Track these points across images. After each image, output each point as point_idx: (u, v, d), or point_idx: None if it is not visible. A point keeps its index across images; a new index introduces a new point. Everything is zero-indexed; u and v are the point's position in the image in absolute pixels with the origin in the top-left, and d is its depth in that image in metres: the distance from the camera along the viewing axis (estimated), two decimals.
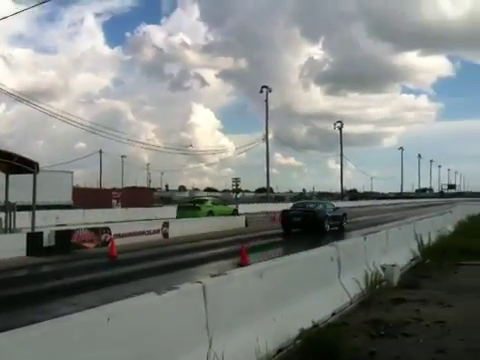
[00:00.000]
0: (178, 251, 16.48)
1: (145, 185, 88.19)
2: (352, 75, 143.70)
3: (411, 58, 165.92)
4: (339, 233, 22.67)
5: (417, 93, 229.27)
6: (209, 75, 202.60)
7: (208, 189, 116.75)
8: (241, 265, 11.14)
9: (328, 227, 23.09)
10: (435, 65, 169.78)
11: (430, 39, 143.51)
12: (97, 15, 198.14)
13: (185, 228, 21.67)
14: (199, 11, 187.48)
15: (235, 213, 32.23)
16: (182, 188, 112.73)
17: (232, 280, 4.99)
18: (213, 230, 22.57)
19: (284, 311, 5.55)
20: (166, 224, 20.78)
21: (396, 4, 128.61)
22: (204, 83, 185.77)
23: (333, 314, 6.71)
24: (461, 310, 7.33)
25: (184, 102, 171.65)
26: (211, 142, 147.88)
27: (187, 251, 16.43)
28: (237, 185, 38.52)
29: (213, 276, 5.04)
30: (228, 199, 54.91)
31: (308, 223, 22.49)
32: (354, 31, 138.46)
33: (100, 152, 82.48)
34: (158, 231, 20.15)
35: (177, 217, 28.10)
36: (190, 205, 31.70)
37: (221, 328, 4.56)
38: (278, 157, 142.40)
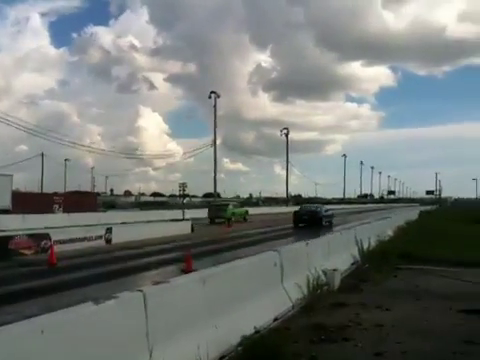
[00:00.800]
0: (121, 258, 16.12)
1: (89, 189, 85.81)
2: (299, 83, 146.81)
3: (355, 68, 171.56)
4: (328, 227, 30.13)
5: (360, 102, 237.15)
6: (158, 79, 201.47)
7: (155, 194, 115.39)
8: (186, 271, 11.04)
9: (324, 222, 31.81)
10: (378, 75, 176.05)
11: (373, 50, 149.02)
12: (43, 15, 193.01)
13: (129, 234, 21.27)
14: (149, 14, 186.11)
15: (244, 217, 40.23)
16: (127, 193, 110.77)
17: (174, 288, 4.93)
18: (158, 236, 22.28)
19: (226, 318, 5.54)
20: (109, 230, 20.33)
21: (341, 15, 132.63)
22: (152, 86, 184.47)
23: (275, 319, 6.76)
24: (399, 313, 7.57)
25: (132, 105, 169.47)
26: (158, 146, 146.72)
27: (130, 257, 16.10)
28: (184, 190, 38.17)
29: (155, 284, 4.97)
30: (174, 204, 54.55)
31: (312, 220, 31.46)
32: (301, 40, 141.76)
33: (42, 155, 79.70)
34: (101, 237, 19.68)
35: (209, 217, 38.02)
36: (219, 206, 40.71)
37: (162, 337, 4.50)
38: (226, 162, 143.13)
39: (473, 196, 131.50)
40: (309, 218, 31.93)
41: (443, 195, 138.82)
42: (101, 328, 3.93)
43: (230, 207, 39.31)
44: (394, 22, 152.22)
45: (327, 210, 34.54)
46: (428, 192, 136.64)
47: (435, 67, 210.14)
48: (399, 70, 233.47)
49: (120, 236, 20.38)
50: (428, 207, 74.16)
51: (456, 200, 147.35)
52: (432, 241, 17.21)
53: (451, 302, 8.21)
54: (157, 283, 5.01)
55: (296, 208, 39.00)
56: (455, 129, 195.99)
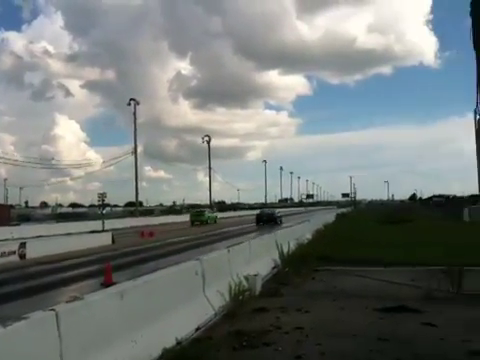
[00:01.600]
0: (36, 274, 15.32)
1: (1, 202, 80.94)
2: (219, 91, 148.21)
3: (272, 76, 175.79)
4: (278, 225, 38.49)
5: (278, 109, 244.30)
6: (74, 85, 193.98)
7: (73, 205, 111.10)
8: (105, 284, 10.71)
9: (277, 221, 42.39)
10: (294, 83, 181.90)
11: (289, 59, 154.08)
12: None
13: (45, 248, 20.26)
14: (63, 19, 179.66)
15: (209, 220, 49.40)
16: (44, 204, 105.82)
17: (89, 304, 4.74)
18: (77, 249, 21.42)
19: (146, 332, 5.42)
20: (23, 244, 19.28)
21: (258, 25, 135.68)
22: (69, 93, 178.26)
23: (197, 329, 6.72)
24: (318, 315, 7.79)
25: (47, 113, 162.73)
26: (76, 155, 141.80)
27: (46, 273, 15.33)
28: (103, 200, 37.06)
29: (68, 301, 4.76)
30: (94, 215, 52.87)
31: (269, 219, 42.66)
32: (220, 49, 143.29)
33: None
34: (14, 252, 18.61)
35: (190, 220, 48.43)
36: (198, 212, 52.82)
37: (77, 356, 4.32)
38: (148, 170, 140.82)
39: (385, 197, 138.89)
40: (267, 218, 43.34)
41: (358, 197, 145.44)
42: (10, 352, 3.70)
43: (206, 213, 52.51)
44: (308, 33, 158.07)
45: (278, 212, 47.15)
46: (344, 195, 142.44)
47: (347, 76, 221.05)
48: (314, 79, 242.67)
49: (36, 250, 19.38)
50: (344, 209, 77.31)
51: (370, 202, 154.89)
52: (348, 242, 17.95)
53: (366, 301, 8.58)
54: (71, 300, 4.80)
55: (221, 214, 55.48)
56: (366, 135, 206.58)
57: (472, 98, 8.97)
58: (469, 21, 8.99)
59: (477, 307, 7.96)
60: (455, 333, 6.49)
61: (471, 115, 9.04)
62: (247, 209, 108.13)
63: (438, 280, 8.95)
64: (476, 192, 9.04)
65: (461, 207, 36.95)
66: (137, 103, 61.31)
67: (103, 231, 30.83)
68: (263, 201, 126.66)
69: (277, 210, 49.99)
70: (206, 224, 46.49)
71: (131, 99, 61.08)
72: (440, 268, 9.46)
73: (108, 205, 63.37)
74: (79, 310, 4.58)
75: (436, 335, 6.43)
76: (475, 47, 8.98)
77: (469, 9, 9.00)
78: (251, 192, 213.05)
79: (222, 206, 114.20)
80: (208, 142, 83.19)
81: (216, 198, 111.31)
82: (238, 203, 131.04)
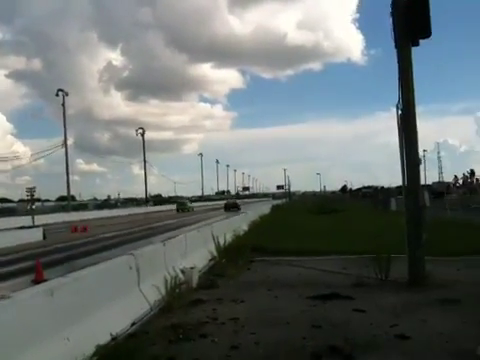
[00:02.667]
0: None
1: None
2: (152, 82, 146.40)
3: (206, 69, 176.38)
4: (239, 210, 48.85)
5: (213, 102, 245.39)
6: None
7: (1, 199, 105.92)
8: (36, 281, 10.34)
9: (239, 208, 57.65)
10: (227, 77, 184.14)
11: (222, 53, 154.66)
12: None
13: None
14: None
15: (190, 209, 64.95)
16: None
17: (17, 303, 4.55)
18: (5, 245, 20.54)
19: (79, 328, 5.28)
20: None
21: (189, 18, 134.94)
22: None
23: (133, 324, 6.63)
24: (253, 305, 7.91)
25: None
26: (3, 148, 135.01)
27: None
28: (32, 195, 35.62)
29: None
30: (22, 210, 50.70)
31: (233, 206, 60.33)
32: (151, 40, 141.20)
33: None
34: None
35: (176, 209, 63.66)
36: (182, 203, 69.02)
37: (5, 355, 4.16)
38: (80, 163, 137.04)
39: (318, 189, 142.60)
40: (232, 206, 61.24)
41: (292, 189, 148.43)
42: None
43: (188, 203, 69.84)
44: (240, 27, 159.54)
45: (238, 202, 67.04)
46: (279, 187, 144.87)
47: (279, 71, 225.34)
48: (247, 73, 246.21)
49: None
50: (279, 201, 78.73)
51: (303, 193, 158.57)
52: (283, 233, 18.33)
53: (300, 289, 8.81)
54: None
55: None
56: (298, 128, 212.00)
57: (396, 94, 9.38)
58: (390, 20, 9.36)
59: (403, 293, 8.38)
60: (383, 318, 6.80)
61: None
62: None
63: (368, 268, 9.34)
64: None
65: (388, 197, 38.54)
66: (66, 94, 59.51)
67: (33, 227, 29.66)
68: (200, 194, 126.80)
69: (238, 201, 71.35)
70: (188, 211, 61.19)
71: (59, 90, 59.06)
72: (369, 256, 9.88)
73: (38, 200, 61.05)
74: (7, 309, 4.39)
75: (366, 320, 6.71)
76: (396, 46, 9.38)
77: (390, 9, 9.37)
78: (188, 185, 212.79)
79: (158, 199, 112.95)
80: (142, 135, 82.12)
81: (152, 191, 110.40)
82: (175, 196, 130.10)
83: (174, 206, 68.50)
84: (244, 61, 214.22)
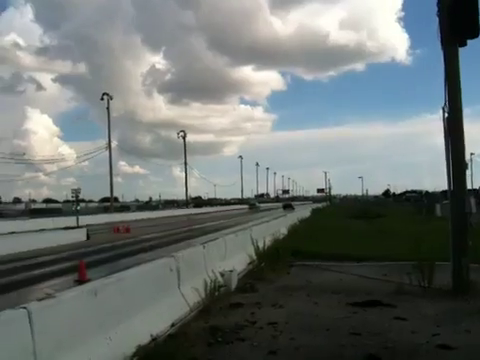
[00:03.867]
0: (7, 271, 14.96)
1: None
2: (194, 85, 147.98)
3: (247, 72, 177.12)
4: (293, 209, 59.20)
5: (253, 105, 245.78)
6: (46, 79, 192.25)
7: (47, 200, 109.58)
8: (80, 281, 10.63)
9: (293, 207, 72.19)
10: (268, 79, 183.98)
11: (263, 54, 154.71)
12: None
13: (17, 244, 19.90)
14: (33, 12, 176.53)
15: (257, 208, 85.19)
16: (17, 200, 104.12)
17: (62, 302, 4.70)
18: (51, 245, 21.16)
19: (121, 329, 5.40)
20: None
21: (232, 19, 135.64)
22: (40, 87, 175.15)
23: (173, 325, 6.72)
24: (291, 310, 7.88)
25: (17, 107, 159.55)
26: (49, 150, 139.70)
27: (18, 270, 15.04)
28: (77, 196, 36.52)
29: (41, 299, 4.72)
30: (69, 211, 52.18)
31: (289, 206, 76.67)
32: (194, 43, 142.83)
33: None
34: None
35: (248, 209, 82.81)
36: (253, 204, 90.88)
37: (50, 354, 4.29)
38: (123, 165, 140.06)
39: (359, 193, 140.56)
40: (288, 205, 77.28)
41: (332, 193, 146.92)
42: None
43: (257, 203, 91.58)
44: (281, 28, 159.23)
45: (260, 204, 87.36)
46: (319, 190, 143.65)
47: (321, 72, 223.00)
48: (288, 75, 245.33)
49: (7, 247, 19.01)
50: (319, 205, 78.08)
51: (344, 197, 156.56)
52: (322, 238, 18.15)
53: (340, 296, 8.72)
54: (44, 298, 4.76)
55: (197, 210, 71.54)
56: (340, 130, 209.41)
57: (442, 95, 9.14)
58: (437, 20, 9.15)
59: (446, 302, 8.16)
60: (425, 327, 6.65)
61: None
62: (224, 204, 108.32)
63: (409, 275, 9.14)
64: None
65: (433, 202, 37.60)
66: (110, 98, 60.83)
67: (77, 227, 30.46)
68: (239, 197, 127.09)
69: (294, 202, 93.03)
70: (256, 209, 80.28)
71: (104, 93, 60.47)
72: (411, 263, 9.66)
73: (83, 201, 62.83)
74: (52, 308, 4.54)
75: (407, 329, 6.58)
76: (442, 46, 9.16)
77: (436, 8, 9.16)
78: (227, 187, 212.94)
79: (198, 201, 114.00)
80: (184, 137, 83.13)
81: (192, 193, 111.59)
82: (214, 198, 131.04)
83: (216, 208, 78.48)
84: (285, 62, 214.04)
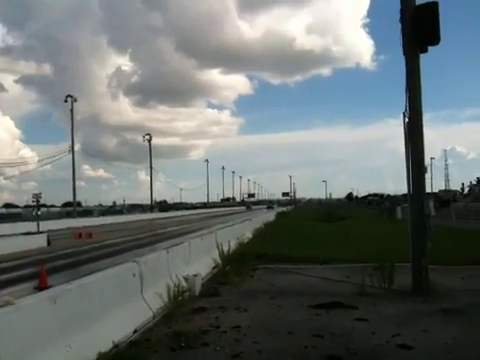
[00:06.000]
0: None
1: None
2: (161, 88, 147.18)
3: (214, 75, 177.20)
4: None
5: (220, 108, 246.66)
6: (8, 80, 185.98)
7: (7, 205, 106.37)
8: (40, 288, 10.36)
9: (274, 208, 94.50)
10: (236, 83, 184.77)
11: (230, 58, 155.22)
12: None
13: None
14: None
15: (251, 208, 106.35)
16: None
17: (20, 309, 4.57)
18: (9, 251, 20.53)
19: (81, 336, 5.30)
20: None
21: (200, 22, 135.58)
22: (2, 88, 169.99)
23: (135, 331, 6.64)
24: (255, 313, 7.90)
25: None
26: (10, 153, 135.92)
27: None
28: (38, 201, 35.62)
29: None
30: (28, 216, 50.87)
31: (270, 207, 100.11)
32: (161, 45, 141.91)
33: None
34: None
35: (246, 208, 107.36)
36: (248, 205, 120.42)
37: None
38: (86, 169, 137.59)
39: (323, 196, 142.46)
40: (269, 206, 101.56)
41: (297, 196, 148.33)
42: None
43: (250, 205, 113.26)
44: (249, 32, 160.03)
45: (274, 204, 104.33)
46: (284, 194, 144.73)
47: (288, 76, 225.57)
48: (255, 79, 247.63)
49: None
50: (284, 208, 78.68)
51: (309, 200, 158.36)
52: (287, 241, 18.31)
53: (303, 298, 8.79)
54: (2, 306, 4.62)
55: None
56: (305, 134, 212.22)
57: (404, 101, 9.36)
58: (399, 27, 9.37)
59: (406, 302, 8.35)
60: (386, 328, 6.78)
61: None
62: (189, 209, 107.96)
63: (371, 276, 9.31)
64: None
65: (394, 205, 38.45)
66: (75, 100, 59.65)
67: (38, 233, 29.72)
68: (205, 200, 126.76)
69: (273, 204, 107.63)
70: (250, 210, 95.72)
71: (68, 95, 59.33)
72: (373, 265, 9.85)
73: (44, 205, 61.22)
74: (10, 315, 4.42)
75: (368, 330, 6.69)
76: (404, 52, 9.39)
77: (399, 15, 9.38)
78: (193, 191, 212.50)
79: (163, 206, 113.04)
80: (149, 141, 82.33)
81: (158, 197, 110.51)
82: (180, 203, 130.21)
83: (181, 212, 78.85)
84: (252, 66, 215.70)
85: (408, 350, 5.80)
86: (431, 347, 5.93)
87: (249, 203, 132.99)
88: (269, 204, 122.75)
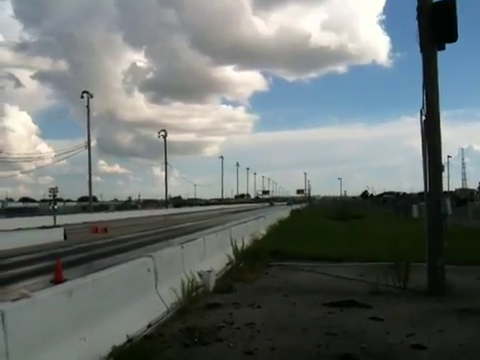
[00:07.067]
0: None
1: None
2: (175, 85, 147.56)
3: (228, 72, 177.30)
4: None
5: (235, 105, 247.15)
6: (25, 76, 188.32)
7: (24, 199, 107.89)
8: (56, 282, 10.48)
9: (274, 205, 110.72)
10: (250, 80, 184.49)
11: (245, 55, 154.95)
12: None
13: None
14: (13, 8, 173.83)
15: (273, 204, 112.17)
16: None
17: (36, 303, 4.64)
18: (26, 245, 20.81)
19: (96, 329, 5.35)
20: None
21: (214, 19, 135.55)
22: (19, 84, 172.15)
23: (149, 326, 6.68)
24: (269, 310, 7.89)
25: None
26: (27, 148, 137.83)
27: None
28: (54, 195, 36.01)
29: (15, 300, 4.64)
30: (46, 210, 51.46)
31: (272, 204, 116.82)
32: (176, 42, 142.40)
33: None
34: None
35: (269, 204, 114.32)
36: (271, 202, 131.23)
37: (23, 354, 4.24)
38: (102, 164, 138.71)
39: (338, 194, 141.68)
40: (271, 203, 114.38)
41: (312, 194, 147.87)
42: None
43: (273, 201, 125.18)
44: (264, 29, 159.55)
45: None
46: (299, 191, 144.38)
47: (302, 73, 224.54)
48: (270, 75, 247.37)
49: None
50: (298, 205, 78.43)
51: (323, 198, 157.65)
52: (301, 238, 18.25)
53: (317, 296, 8.77)
54: (18, 299, 4.68)
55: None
56: (320, 132, 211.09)
57: (421, 98, 9.26)
58: (416, 24, 9.26)
59: (422, 302, 8.28)
60: (400, 327, 6.73)
61: None
62: (203, 205, 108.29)
63: (386, 275, 9.24)
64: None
65: (410, 204, 38.09)
66: (91, 96, 60.08)
67: (55, 227, 30.05)
68: (220, 197, 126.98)
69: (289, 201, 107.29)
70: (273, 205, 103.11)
71: (84, 91, 59.76)
72: (388, 264, 9.77)
73: (60, 200, 61.91)
74: (26, 308, 4.48)
75: (382, 329, 6.65)
76: (421, 50, 9.29)
77: (416, 12, 9.28)
78: (208, 188, 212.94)
79: (178, 201, 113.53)
80: (164, 137, 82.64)
81: (172, 193, 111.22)
82: (195, 199, 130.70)
83: (195, 208, 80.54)
84: (267, 63, 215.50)
85: (422, 350, 5.75)
86: (446, 348, 5.86)
87: (272, 200, 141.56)
88: (289, 201, 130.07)
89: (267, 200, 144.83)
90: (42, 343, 4.50)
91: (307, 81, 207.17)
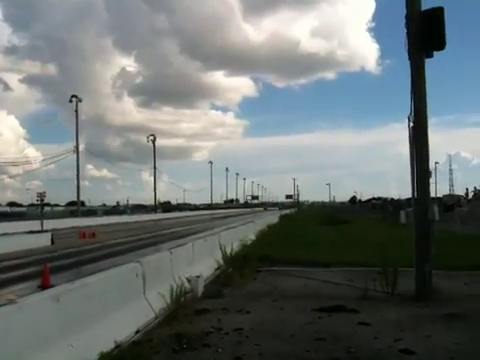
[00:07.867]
0: None
1: None
2: (165, 89, 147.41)
3: (218, 77, 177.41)
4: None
5: (225, 110, 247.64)
6: (13, 79, 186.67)
7: (11, 204, 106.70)
8: (43, 287, 10.38)
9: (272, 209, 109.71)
10: (240, 85, 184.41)
11: (235, 61, 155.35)
12: None
13: None
14: (2, 11, 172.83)
15: (267, 208, 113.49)
16: None
17: (23, 308, 4.59)
18: (13, 250, 20.58)
19: (83, 335, 5.31)
20: None
21: (205, 24, 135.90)
22: (7, 87, 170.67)
23: (137, 332, 6.64)
24: (258, 315, 7.89)
25: None
26: (15, 152, 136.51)
27: None
28: (42, 200, 35.79)
29: (1, 305, 4.59)
30: (32, 215, 50.98)
31: (266, 210, 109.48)
32: (166, 47, 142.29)
33: None
34: None
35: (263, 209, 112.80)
36: (266, 206, 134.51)
37: None
38: (90, 169, 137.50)
39: (327, 199, 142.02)
40: (265, 208, 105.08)
41: (301, 199, 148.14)
42: None
43: (267, 206, 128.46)
44: (254, 35, 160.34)
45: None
46: (287, 196, 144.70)
47: (292, 79, 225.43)
48: (260, 81, 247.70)
49: None
50: (287, 211, 78.58)
51: (312, 203, 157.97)
52: (290, 243, 18.28)
53: (306, 301, 8.78)
54: (4, 304, 4.64)
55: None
56: (310, 138, 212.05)
57: (409, 105, 9.35)
58: (405, 31, 9.36)
59: (409, 307, 8.32)
60: (388, 332, 6.76)
61: None
62: (193, 210, 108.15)
63: (374, 281, 9.28)
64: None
65: (398, 209, 38.28)
66: (79, 100, 59.73)
67: (42, 231, 29.78)
68: (209, 202, 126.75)
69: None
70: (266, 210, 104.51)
71: (73, 96, 59.43)
72: (376, 269, 9.82)
73: (48, 205, 61.40)
74: (12, 314, 4.43)
75: (370, 334, 6.67)
76: (409, 57, 9.38)
77: (405, 20, 9.37)
78: (197, 193, 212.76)
79: (167, 206, 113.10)
80: (153, 141, 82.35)
81: (162, 198, 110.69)
82: (184, 203, 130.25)
83: (184, 213, 79.17)
84: (257, 69, 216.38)
85: (410, 355, 5.78)
86: (433, 352, 5.90)
87: (265, 205, 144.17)
88: (279, 206, 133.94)
89: (261, 205, 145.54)
90: (28, 349, 4.45)
91: (297, 87, 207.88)
